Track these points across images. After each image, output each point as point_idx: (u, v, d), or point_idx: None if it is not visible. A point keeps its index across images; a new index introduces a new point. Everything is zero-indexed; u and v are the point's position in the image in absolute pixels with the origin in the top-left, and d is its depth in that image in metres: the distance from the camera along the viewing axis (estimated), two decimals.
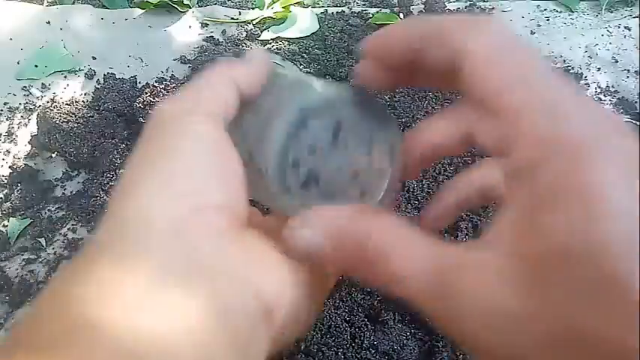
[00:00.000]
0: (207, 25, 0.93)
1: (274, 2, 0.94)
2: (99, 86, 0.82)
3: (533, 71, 0.17)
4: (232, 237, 0.19)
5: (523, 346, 0.15)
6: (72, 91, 0.82)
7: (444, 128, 0.21)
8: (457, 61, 0.19)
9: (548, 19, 0.93)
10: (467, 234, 0.58)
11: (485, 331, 0.16)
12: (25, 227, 0.67)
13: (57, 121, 0.71)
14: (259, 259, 0.20)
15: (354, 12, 0.96)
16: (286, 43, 0.89)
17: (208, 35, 0.91)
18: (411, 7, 0.96)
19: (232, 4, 1.02)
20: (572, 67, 0.84)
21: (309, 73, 0.82)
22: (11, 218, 0.68)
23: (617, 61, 0.85)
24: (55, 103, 0.74)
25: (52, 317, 0.16)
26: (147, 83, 0.82)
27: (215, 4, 0.99)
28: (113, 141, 0.72)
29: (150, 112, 0.70)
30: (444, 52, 0.19)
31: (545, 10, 0.96)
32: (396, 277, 0.18)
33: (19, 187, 0.71)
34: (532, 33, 0.90)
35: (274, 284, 0.19)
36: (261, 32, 0.91)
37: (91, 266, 0.17)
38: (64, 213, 0.69)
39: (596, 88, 0.81)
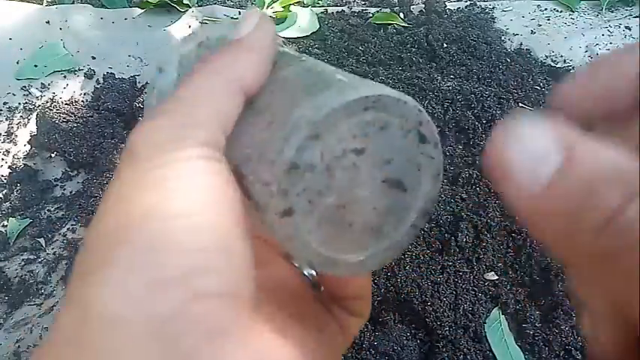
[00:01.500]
0: (206, 24, 0.93)
1: (274, 2, 0.94)
2: (98, 86, 0.82)
3: None
4: (237, 338, 0.14)
5: None
6: (71, 90, 0.82)
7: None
8: None
9: (548, 19, 0.93)
10: (467, 234, 0.58)
11: None
12: (25, 227, 0.67)
13: (56, 121, 0.71)
14: None
15: (354, 11, 0.96)
16: (286, 42, 0.88)
17: None
18: (411, 7, 0.96)
19: (232, 3, 1.01)
20: (573, 67, 0.84)
21: None
22: (11, 218, 0.68)
23: None
24: (54, 103, 0.74)
25: None
26: (146, 83, 0.81)
27: (215, 3, 0.99)
28: (112, 141, 0.72)
29: None
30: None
31: (545, 9, 0.95)
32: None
33: (18, 187, 0.71)
34: (532, 33, 0.90)
35: None
36: None
37: None
38: (63, 213, 0.69)
39: None
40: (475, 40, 0.84)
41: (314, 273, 0.22)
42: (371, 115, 0.18)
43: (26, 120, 0.79)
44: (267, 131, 0.17)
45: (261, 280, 0.17)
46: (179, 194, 0.14)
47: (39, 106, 0.79)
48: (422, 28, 0.87)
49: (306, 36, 0.89)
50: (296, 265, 0.22)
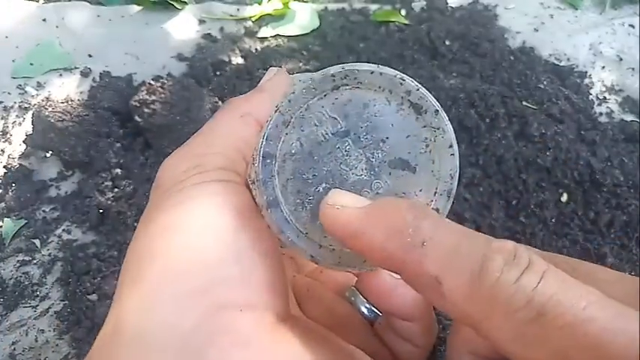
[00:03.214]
0: (204, 21, 0.92)
1: None
2: (94, 84, 0.80)
3: None
4: (259, 349, 0.14)
5: None
6: (67, 89, 0.81)
7: None
8: None
9: (552, 17, 0.92)
10: None
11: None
12: (20, 228, 0.66)
13: (52, 120, 0.70)
14: None
15: (355, 8, 0.94)
16: (285, 40, 0.87)
17: (206, 32, 0.89)
18: (413, 4, 0.94)
19: (230, 0, 1.00)
20: (577, 66, 0.83)
21: (309, 70, 0.81)
22: (5, 219, 0.67)
23: (621, 60, 0.84)
24: (50, 102, 0.73)
25: None
26: (143, 81, 0.80)
27: (213, 0, 0.98)
28: (109, 140, 0.71)
29: (146, 110, 0.69)
30: None
31: (548, 7, 0.94)
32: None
33: (13, 188, 0.70)
34: (536, 30, 0.89)
35: None
36: (260, 29, 0.89)
37: None
38: (58, 214, 0.68)
39: (600, 87, 0.80)
40: (478, 38, 0.83)
41: (373, 309, 0.22)
42: (346, 93, 0.16)
43: (21, 119, 0.78)
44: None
45: (313, 314, 0.18)
46: (196, 213, 0.15)
47: (34, 105, 0.78)
48: (423, 26, 0.86)
49: (306, 33, 0.88)
50: (351, 298, 0.22)
